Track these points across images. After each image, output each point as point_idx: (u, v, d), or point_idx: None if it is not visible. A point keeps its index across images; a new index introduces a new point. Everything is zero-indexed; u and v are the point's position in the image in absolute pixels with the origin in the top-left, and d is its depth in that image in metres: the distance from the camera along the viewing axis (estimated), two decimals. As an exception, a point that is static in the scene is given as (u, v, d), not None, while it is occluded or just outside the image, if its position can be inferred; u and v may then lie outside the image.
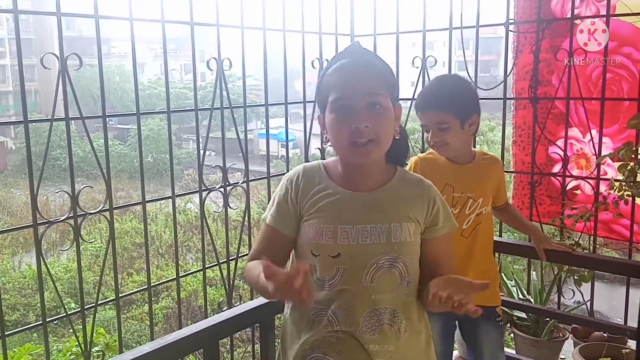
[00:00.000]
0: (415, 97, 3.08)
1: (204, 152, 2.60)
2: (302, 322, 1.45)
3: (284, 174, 1.77)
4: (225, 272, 2.73)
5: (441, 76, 2.34)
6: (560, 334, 3.12)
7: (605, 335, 2.96)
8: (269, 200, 1.59)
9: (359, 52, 1.44)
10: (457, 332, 2.35)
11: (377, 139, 1.34)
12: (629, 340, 2.84)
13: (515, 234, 9.68)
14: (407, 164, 2.14)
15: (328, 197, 1.42)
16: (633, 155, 2.43)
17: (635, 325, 2.28)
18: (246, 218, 2.79)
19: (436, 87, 2.21)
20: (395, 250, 1.40)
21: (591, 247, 2.87)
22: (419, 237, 1.45)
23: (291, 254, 1.53)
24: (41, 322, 2.16)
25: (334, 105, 1.36)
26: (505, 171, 2.71)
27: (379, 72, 1.39)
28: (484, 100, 2.47)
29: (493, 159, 2.27)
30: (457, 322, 2.30)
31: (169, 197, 2.58)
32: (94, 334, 2.43)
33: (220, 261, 2.73)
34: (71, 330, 2.47)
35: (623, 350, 2.73)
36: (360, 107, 1.34)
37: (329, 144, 1.43)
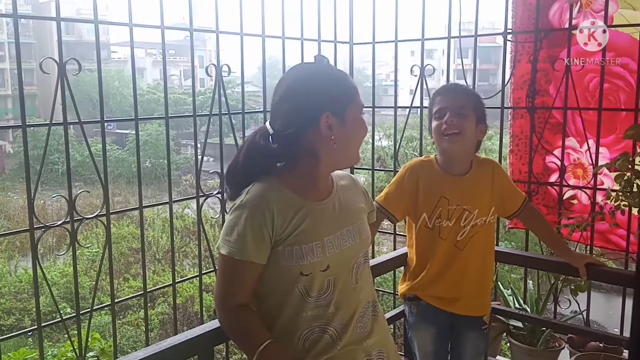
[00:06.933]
0: (414, 105, 3.12)
1: (202, 158, 2.61)
2: (294, 340, 1.39)
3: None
4: (221, 278, 2.73)
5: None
6: (557, 344, 3.12)
7: (601, 345, 2.96)
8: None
9: None
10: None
11: None
12: (624, 350, 2.84)
13: (513, 243, 9.73)
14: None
15: (304, 216, 1.38)
16: (630, 166, 2.44)
17: (632, 335, 2.28)
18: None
19: (459, 83, 2.32)
20: (365, 244, 1.50)
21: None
22: None
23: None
24: (36, 326, 2.16)
25: None
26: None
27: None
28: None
29: (487, 163, 2.20)
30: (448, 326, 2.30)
31: (166, 203, 2.58)
32: (89, 339, 2.42)
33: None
34: (66, 335, 2.46)
35: (619, 361, 2.73)
36: None
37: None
